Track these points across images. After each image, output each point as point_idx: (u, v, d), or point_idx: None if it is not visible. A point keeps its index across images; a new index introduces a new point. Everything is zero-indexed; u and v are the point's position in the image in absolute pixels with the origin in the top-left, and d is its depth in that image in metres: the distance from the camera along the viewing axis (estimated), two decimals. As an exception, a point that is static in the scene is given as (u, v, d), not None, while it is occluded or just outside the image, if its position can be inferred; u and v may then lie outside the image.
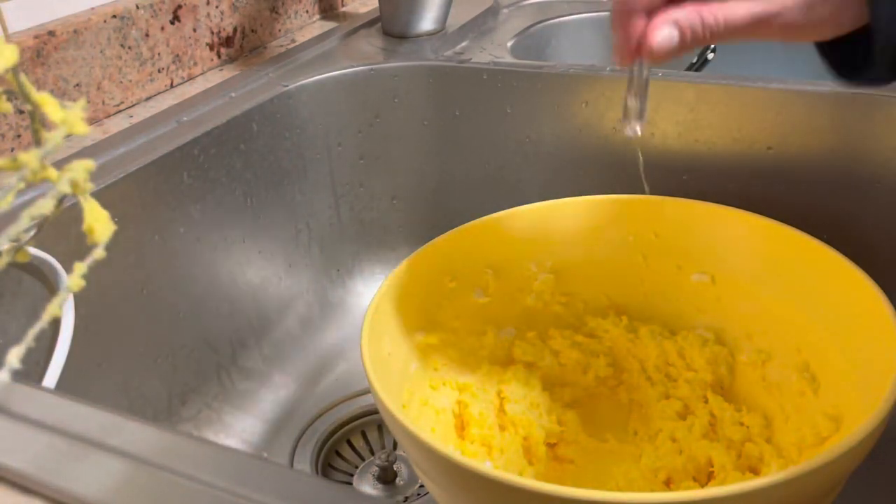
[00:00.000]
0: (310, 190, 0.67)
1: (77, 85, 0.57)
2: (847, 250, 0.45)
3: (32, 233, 0.32)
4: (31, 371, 0.45)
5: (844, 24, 0.36)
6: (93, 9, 0.59)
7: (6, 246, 0.29)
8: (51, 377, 0.44)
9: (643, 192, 0.53)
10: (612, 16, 0.39)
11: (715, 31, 0.36)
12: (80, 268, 0.28)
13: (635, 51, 0.38)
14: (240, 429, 0.60)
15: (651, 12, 0.38)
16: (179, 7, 0.64)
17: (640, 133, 0.43)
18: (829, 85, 0.54)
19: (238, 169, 0.60)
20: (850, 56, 0.37)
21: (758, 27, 0.36)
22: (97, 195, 0.48)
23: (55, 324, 0.45)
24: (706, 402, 0.50)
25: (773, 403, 0.49)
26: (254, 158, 0.61)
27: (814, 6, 0.35)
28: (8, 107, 0.28)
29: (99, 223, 0.28)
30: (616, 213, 0.54)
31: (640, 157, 0.49)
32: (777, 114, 0.56)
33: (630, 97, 0.42)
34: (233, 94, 0.63)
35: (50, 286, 0.46)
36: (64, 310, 0.46)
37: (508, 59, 0.68)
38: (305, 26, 0.80)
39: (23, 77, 0.27)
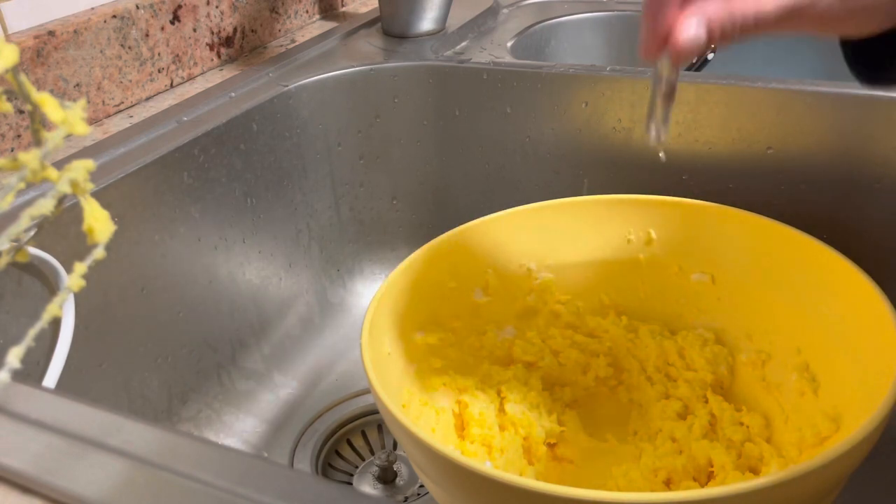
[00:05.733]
0: (310, 190, 0.67)
1: (77, 85, 0.57)
2: (847, 250, 0.45)
3: (32, 233, 0.32)
4: (31, 371, 0.45)
5: (887, 18, 0.33)
6: (93, 9, 0.59)
7: (6, 246, 0.29)
8: (51, 377, 0.44)
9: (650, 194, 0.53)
10: (643, 7, 0.36)
11: (745, 25, 0.33)
12: (80, 268, 0.28)
13: (661, 46, 0.35)
14: (240, 429, 0.60)
15: (682, 3, 0.34)
16: (179, 7, 0.64)
17: (663, 139, 0.40)
18: (829, 85, 0.54)
19: (238, 169, 0.60)
20: (878, 56, 0.35)
21: (790, 19, 0.33)
22: (97, 195, 0.48)
23: (55, 324, 0.45)
24: (706, 402, 0.50)
25: (773, 403, 0.49)
26: (254, 158, 0.61)
27: None
28: (8, 107, 0.28)
29: (99, 223, 0.28)
30: (616, 213, 0.54)
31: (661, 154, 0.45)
32: (777, 114, 0.56)
33: (655, 98, 0.39)
34: (233, 94, 0.63)
35: (50, 286, 0.46)
36: (64, 310, 0.46)
37: (508, 59, 0.68)
38: (305, 26, 0.80)
39: (23, 77, 0.27)
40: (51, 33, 0.55)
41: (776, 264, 0.49)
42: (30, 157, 0.27)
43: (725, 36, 0.34)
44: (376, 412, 0.61)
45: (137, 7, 0.60)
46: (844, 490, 0.38)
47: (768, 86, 0.56)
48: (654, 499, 0.33)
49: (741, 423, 0.48)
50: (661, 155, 0.42)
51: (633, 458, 0.49)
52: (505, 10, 0.82)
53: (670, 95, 0.39)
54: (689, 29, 0.34)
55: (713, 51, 0.74)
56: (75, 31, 0.56)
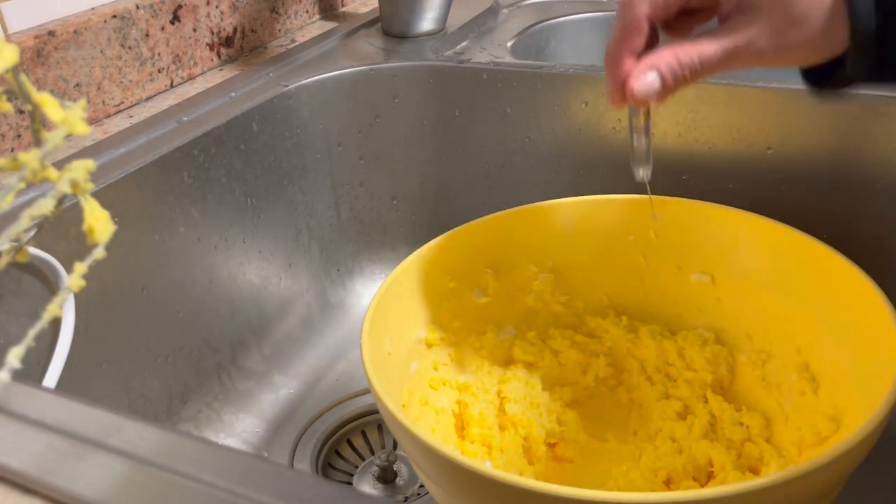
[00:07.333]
0: (310, 190, 0.67)
1: (77, 85, 0.57)
2: (847, 250, 0.45)
3: (32, 233, 0.32)
4: (31, 371, 0.45)
5: (823, 49, 0.35)
6: (93, 9, 0.59)
7: (6, 246, 0.30)
8: (51, 377, 0.44)
9: (644, 192, 0.53)
10: (604, 59, 0.39)
11: (693, 70, 0.36)
12: (81, 268, 0.28)
13: (623, 95, 0.38)
14: (240, 429, 0.60)
15: (638, 56, 0.38)
16: (179, 7, 0.64)
17: (648, 177, 0.43)
18: (829, 85, 0.54)
19: (238, 169, 0.60)
20: (823, 72, 0.37)
21: (733, 59, 0.36)
22: (97, 195, 0.48)
23: (55, 324, 0.45)
24: (706, 402, 0.50)
25: (773, 403, 0.49)
26: (254, 158, 0.61)
27: (783, 32, 0.35)
28: (8, 107, 0.28)
29: (99, 223, 0.28)
30: (616, 213, 0.54)
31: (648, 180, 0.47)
32: (777, 114, 0.56)
33: (633, 139, 0.42)
34: (233, 94, 0.63)
35: (50, 286, 0.46)
36: (64, 310, 0.46)
37: (508, 59, 0.68)
38: (305, 26, 0.80)
39: (23, 77, 0.27)
40: (51, 33, 0.55)
41: (776, 264, 0.49)
42: (30, 157, 0.27)
43: (678, 80, 0.37)
44: (376, 412, 0.61)
45: (137, 7, 0.60)
46: (844, 490, 0.38)
47: (768, 86, 0.56)
48: (654, 499, 0.33)
49: (741, 423, 0.48)
50: (645, 175, 0.44)
51: (633, 458, 0.49)
52: (505, 10, 0.82)
53: (646, 134, 0.42)
54: (644, 76, 0.37)
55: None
56: (75, 31, 0.56)
